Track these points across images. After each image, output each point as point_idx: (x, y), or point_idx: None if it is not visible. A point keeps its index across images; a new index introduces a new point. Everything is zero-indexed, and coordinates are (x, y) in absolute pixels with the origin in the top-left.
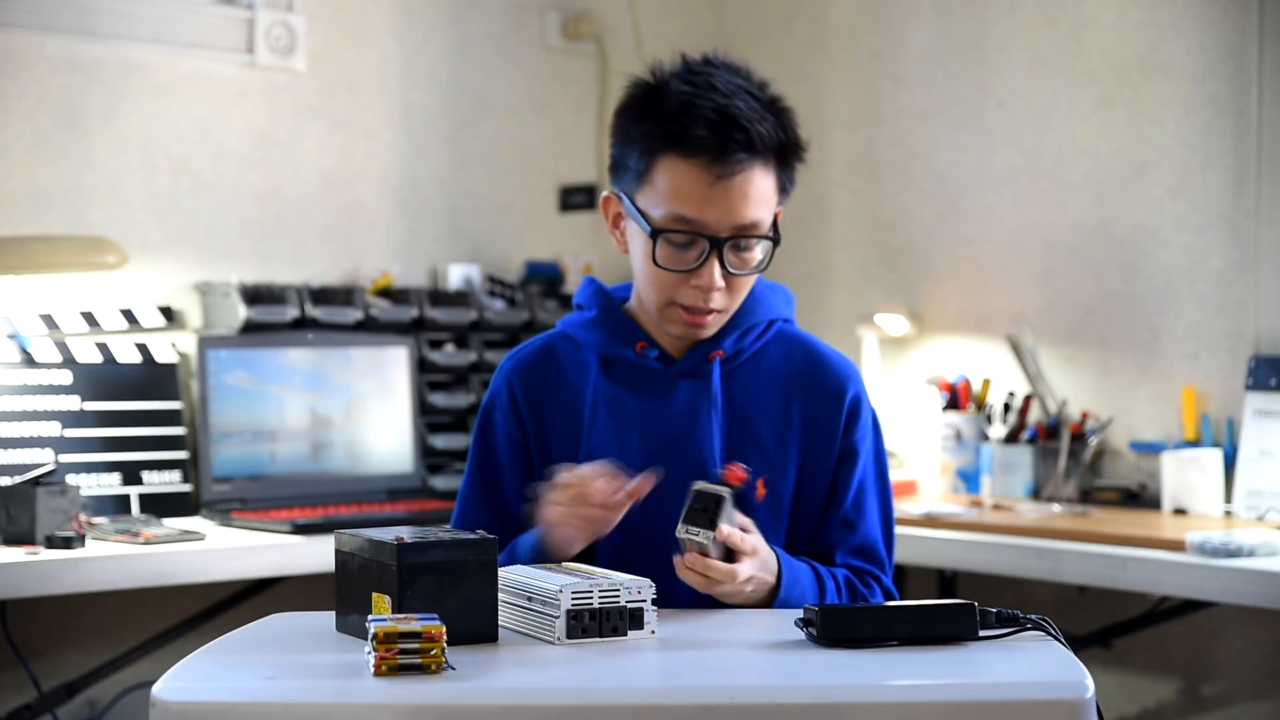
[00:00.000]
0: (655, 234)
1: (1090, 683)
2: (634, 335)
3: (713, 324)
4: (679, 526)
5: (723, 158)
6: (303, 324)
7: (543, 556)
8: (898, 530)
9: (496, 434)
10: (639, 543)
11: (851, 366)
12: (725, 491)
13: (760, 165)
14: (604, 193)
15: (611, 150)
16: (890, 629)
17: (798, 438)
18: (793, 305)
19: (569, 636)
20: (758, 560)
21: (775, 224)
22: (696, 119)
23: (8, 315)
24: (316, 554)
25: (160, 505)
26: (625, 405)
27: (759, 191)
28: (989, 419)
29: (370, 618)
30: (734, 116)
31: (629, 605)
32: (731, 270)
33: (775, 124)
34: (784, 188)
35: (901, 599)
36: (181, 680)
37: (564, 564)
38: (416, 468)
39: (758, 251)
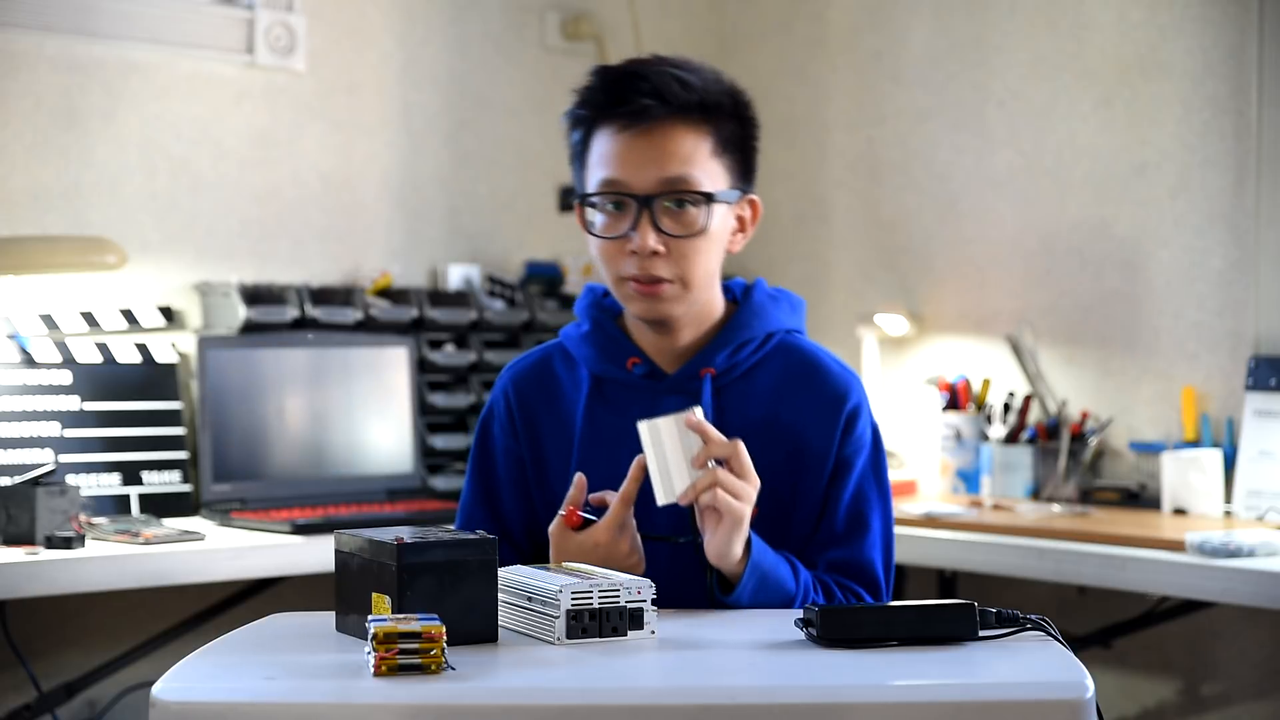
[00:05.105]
0: (583, 199)
1: (1090, 683)
2: (625, 351)
3: (670, 296)
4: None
5: (630, 111)
6: (302, 324)
7: None
8: (897, 530)
9: (494, 446)
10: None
11: (854, 377)
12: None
13: (681, 121)
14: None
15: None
16: (890, 629)
17: (790, 451)
18: (800, 313)
19: (569, 636)
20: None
21: (719, 193)
22: (609, 85)
23: (8, 315)
24: (316, 554)
25: (160, 505)
26: (615, 424)
27: (681, 148)
28: (989, 419)
29: (370, 618)
30: (642, 74)
31: (629, 605)
32: (668, 232)
33: (701, 83)
34: (735, 159)
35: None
36: (181, 680)
37: (564, 564)
38: (416, 468)
39: (698, 214)
